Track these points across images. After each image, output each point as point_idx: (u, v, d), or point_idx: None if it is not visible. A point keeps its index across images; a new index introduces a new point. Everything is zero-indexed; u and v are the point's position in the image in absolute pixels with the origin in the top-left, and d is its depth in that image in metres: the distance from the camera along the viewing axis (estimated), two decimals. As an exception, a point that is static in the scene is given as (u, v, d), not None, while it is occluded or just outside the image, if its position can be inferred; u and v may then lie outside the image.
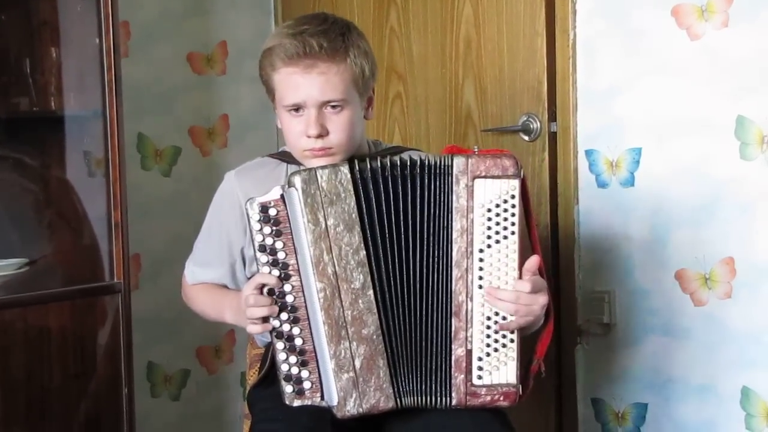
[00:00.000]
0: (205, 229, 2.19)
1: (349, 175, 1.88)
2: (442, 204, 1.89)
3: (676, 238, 2.58)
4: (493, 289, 1.88)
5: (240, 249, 2.12)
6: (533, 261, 1.90)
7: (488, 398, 1.90)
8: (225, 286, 2.16)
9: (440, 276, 1.90)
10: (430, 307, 1.90)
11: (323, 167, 1.89)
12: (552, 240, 2.78)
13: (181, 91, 3.37)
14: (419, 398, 1.90)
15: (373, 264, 1.88)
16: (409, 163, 1.90)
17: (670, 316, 2.61)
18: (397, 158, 1.92)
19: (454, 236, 1.88)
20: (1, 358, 2.43)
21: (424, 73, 3.06)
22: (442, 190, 1.89)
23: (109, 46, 2.58)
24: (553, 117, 2.76)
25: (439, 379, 1.90)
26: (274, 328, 1.88)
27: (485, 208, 1.88)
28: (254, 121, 3.50)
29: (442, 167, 1.89)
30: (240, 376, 3.52)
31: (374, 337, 1.88)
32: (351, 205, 1.87)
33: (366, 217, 1.88)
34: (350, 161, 1.91)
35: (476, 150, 1.93)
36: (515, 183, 1.88)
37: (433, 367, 1.90)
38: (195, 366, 3.44)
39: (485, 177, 1.88)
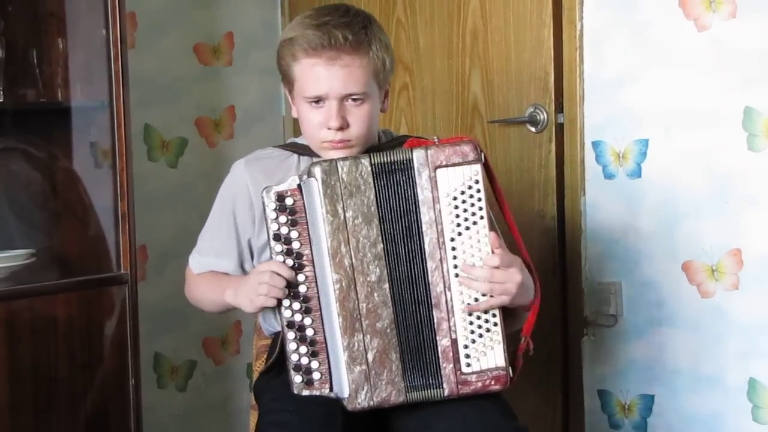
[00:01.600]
0: (212, 219, 2.19)
1: (369, 168, 1.88)
2: (406, 197, 1.89)
3: (683, 229, 2.57)
4: (467, 267, 1.88)
5: (248, 240, 2.12)
6: (493, 236, 1.90)
7: (479, 384, 1.90)
8: None
9: (417, 269, 1.90)
10: (416, 299, 1.91)
11: (344, 159, 1.89)
12: (558, 231, 2.78)
13: (188, 82, 3.36)
14: (423, 393, 1.91)
15: (390, 257, 1.88)
16: (377, 161, 1.90)
17: (677, 307, 2.60)
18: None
19: (424, 228, 1.89)
20: (9, 349, 2.43)
21: (431, 64, 3.05)
22: (406, 183, 1.89)
23: (115, 37, 2.58)
24: (560, 108, 2.75)
25: (429, 372, 1.91)
26: (285, 317, 1.88)
27: (451, 197, 1.89)
28: (261, 112, 3.50)
29: (403, 161, 1.89)
30: (246, 367, 3.52)
31: (388, 330, 1.88)
32: (371, 198, 1.87)
33: (384, 210, 1.88)
34: (370, 154, 1.91)
35: (437, 140, 1.93)
36: (477, 168, 1.89)
37: (426, 361, 1.91)
38: (201, 357, 3.44)
39: (446, 166, 1.88)
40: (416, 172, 1.88)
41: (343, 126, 1.99)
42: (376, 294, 1.88)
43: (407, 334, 1.90)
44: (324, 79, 1.97)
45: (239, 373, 3.54)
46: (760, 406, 2.48)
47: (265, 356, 2.17)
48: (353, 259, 1.87)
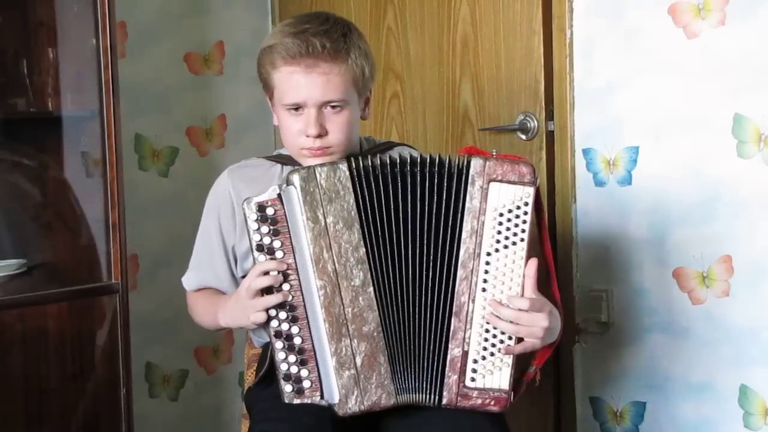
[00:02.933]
0: (201, 231, 2.19)
1: (347, 173, 1.88)
2: (453, 203, 1.88)
3: (674, 236, 2.58)
4: (495, 304, 1.87)
5: (231, 246, 2.13)
6: (532, 265, 1.88)
7: (479, 401, 1.89)
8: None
9: (443, 275, 1.89)
10: (429, 304, 1.89)
11: (321, 165, 1.89)
12: (550, 239, 2.77)
13: (179, 91, 3.37)
14: (415, 395, 1.90)
15: (374, 261, 1.87)
16: (421, 161, 1.89)
17: (669, 314, 2.61)
18: (407, 155, 1.91)
19: (463, 236, 1.88)
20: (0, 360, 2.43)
21: (422, 72, 3.06)
22: (455, 189, 1.88)
23: (106, 47, 2.58)
24: (550, 116, 2.76)
25: (431, 377, 1.90)
26: (272, 328, 1.88)
27: (497, 212, 1.87)
28: (252, 121, 3.50)
29: (459, 167, 1.89)
30: (238, 376, 3.52)
31: (375, 334, 1.88)
32: (350, 203, 1.87)
33: (366, 214, 1.88)
34: (348, 159, 1.91)
35: (494, 153, 1.93)
36: (530, 190, 1.87)
37: (427, 365, 1.90)
38: (193, 366, 3.44)
39: (501, 181, 1.87)
40: (469, 180, 1.88)
41: (322, 133, 2.00)
42: (361, 298, 1.87)
43: (400, 336, 1.89)
44: (302, 86, 1.98)
45: (231, 382, 3.53)
46: (751, 412, 2.48)
47: (256, 366, 2.17)
48: (336, 265, 1.87)
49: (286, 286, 1.87)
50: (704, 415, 2.56)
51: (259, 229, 1.86)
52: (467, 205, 1.88)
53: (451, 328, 1.89)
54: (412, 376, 1.90)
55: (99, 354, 2.60)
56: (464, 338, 1.89)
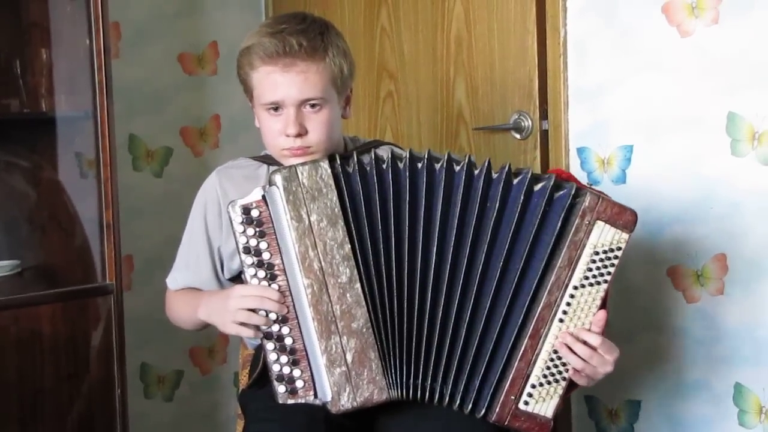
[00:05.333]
0: (187, 231, 2.19)
1: (329, 171, 1.87)
2: (548, 227, 1.87)
3: (668, 235, 2.58)
4: (572, 338, 1.87)
5: (217, 247, 2.13)
6: (602, 315, 1.89)
7: (525, 425, 1.90)
8: None
9: (517, 293, 1.88)
10: (489, 318, 1.88)
11: (303, 164, 1.89)
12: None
13: (173, 91, 3.37)
14: (418, 393, 1.89)
15: (360, 257, 1.87)
16: (520, 178, 1.88)
17: (663, 313, 2.61)
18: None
19: (558, 264, 1.87)
20: (-6, 360, 2.43)
21: (416, 71, 3.06)
22: (556, 214, 1.86)
23: (99, 47, 2.58)
24: (544, 115, 2.76)
25: (484, 388, 1.89)
26: (262, 329, 1.88)
27: (593, 250, 1.88)
28: (246, 121, 3.48)
29: (570, 195, 1.86)
30: (233, 377, 3.52)
31: (364, 330, 1.87)
32: (333, 200, 1.87)
33: (350, 211, 1.87)
34: (331, 157, 1.90)
35: (590, 185, 1.94)
36: (626, 237, 1.89)
37: (475, 374, 1.89)
38: (188, 367, 3.44)
39: (606, 221, 1.88)
40: (579, 212, 1.87)
41: (302, 132, 2.00)
42: (348, 295, 1.87)
43: (398, 331, 1.88)
44: (280, 85, 1.98)
45: (226, 383, 3.53)
46: (746, 410, 2.48)
47: (250, 367, 2.17)
48: (322, 263, 1.87)
49: (274, 287, 1.86)
50: (699, 414, 2.57)
51: (245, 231, 1.86)
52: (571, 236, 1.87)
53: (523, 348, 1.89)
54: (421, 374, 1.89)
55: (94, 355, 2.60)
56: (531, 361, 1.89)
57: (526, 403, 1.90)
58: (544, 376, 1.90)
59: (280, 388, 1.87)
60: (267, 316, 1.86)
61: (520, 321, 1.88)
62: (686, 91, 2.51)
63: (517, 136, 2.80)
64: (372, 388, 1.88)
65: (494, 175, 1.88)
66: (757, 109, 2.39)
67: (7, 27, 2.77)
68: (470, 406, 1.89)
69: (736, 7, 2.41)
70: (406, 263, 1.88)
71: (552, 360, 1.90)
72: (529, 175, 1.88)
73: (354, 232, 1.87)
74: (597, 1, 2.65)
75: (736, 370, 2.49)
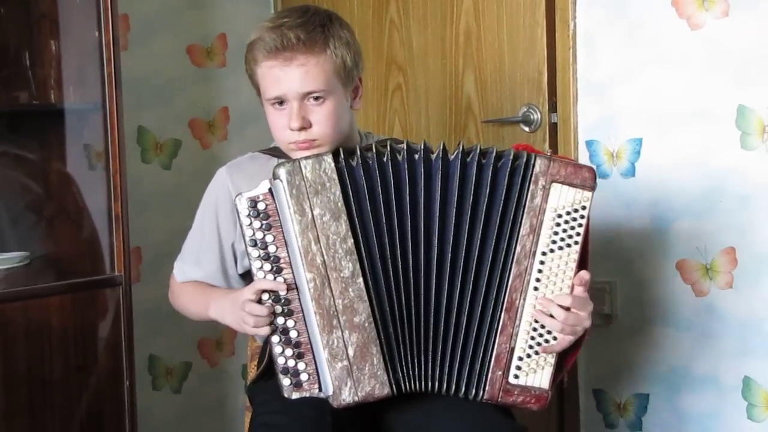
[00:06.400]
0: (195, 226, 2.19)
1: (333, 165, 1.87)
2: (512, 198, 1.89)
3: (677, 228, 2.58)
4: (547, 301, 1.88)
5: (231, 244, 2.12)
6: (584, 274, 1.91)
7: (520, 398, 1.90)
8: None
9: (490, 269, 1.89)
10: (470, 298, 1.89)
11: (307, 158, 1.89)
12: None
13: (181, 83, 3.36)
14: (424, 384, 1.90)
15: (363, 252, 1.87)
16: (471, 150, 1.89)
17: (672, 306, 2.61)
18: (399, 145, 1.91)
19: (521, 233, 1.88)
20: (3, 352, 2.43)
21: (424, 64, 3.05)
22: (518, 185, 1.88)
23: (108, 39, 2.58)
24: (553, 108, 2.75)
25: (473, 370, 1.90)
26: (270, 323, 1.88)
27: (556, 213, 1.88)
28: (254, 113, 3.47)
29: (520, 163, 1.88)
30: (241, 369, 3.52)
31: (366, 324, 1.87)
32: (336, 194, 1.87)
33: (353, 205, 1.87)
34: (335, 151, 1.91)
35: (549, 153, 1.93)
36: (589, 195, 1.89)
37: (465, 357, 1.90)
38: (196, 359, 3.44)
39: (563, 183, 1.88)
40: (533, 178, 1.88)
41: (305, 126, 1.99)
42: (350, 289, 1.87)
43: (402, 325, 1.89)
44: (282, 79, 1.98)
45: (234, 375, 3.53)
46: (754, 404, 2.48)
47: (258, 359, 2.17)
48: (325, 257, 1.86)
49: (280, 280, 1.87)
50: (708, 407, 2.56)
51: (251, 224, 1.87)
52: (528, 203, 1.88)
53: (500, 322, 1.89)
54: (426, 365, 1.89)
55: (102, 347, 2.60)
56: (512, 334, 1.89)
57: (516, 376, 1.89)
58: (530, 347, 1.90)
59: (285, 381, 1.87)
60: (276, 313, 1.87)
61: (493, 296, 1.89)
62: (696, 84, 2.50)
63: (526, 129, 2.79)
64: (373, 382, 1.88)
65: (450, 157, 1.89)
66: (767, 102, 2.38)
67: (16, 19, 2.77)
68: (463, 389, 1.90)
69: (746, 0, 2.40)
70: (410, 257, 1.89)
71: (535, 330, 1.90)
72: (494, 154, 1.89)
73: (357, 226, 1.87)
74: (606, -6, 2.65)
75: (745, 363, 2.49)
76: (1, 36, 2.74)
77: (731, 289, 2.50)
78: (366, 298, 1.87)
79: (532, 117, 2.77)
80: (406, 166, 1.88)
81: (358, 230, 1.87)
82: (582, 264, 1.92)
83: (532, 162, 1.88)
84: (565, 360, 1.98)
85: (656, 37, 2.56)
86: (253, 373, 2.19)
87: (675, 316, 2.61)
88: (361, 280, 1.87)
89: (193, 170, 3.36)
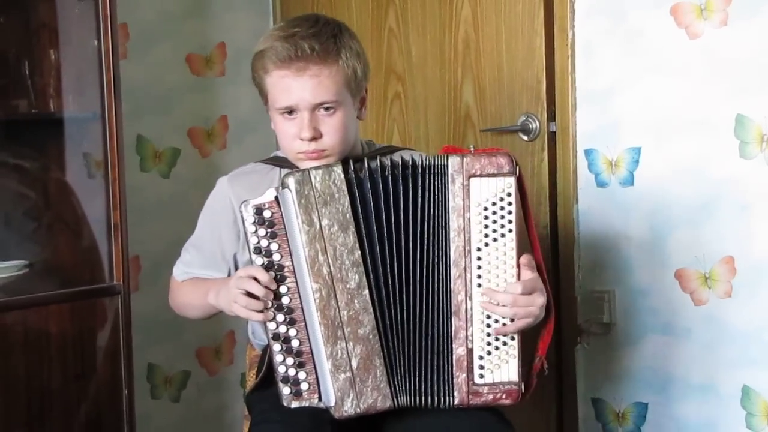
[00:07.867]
0: (196, 235, 2.19)
1: (342, 176, 1.88)
2: (438, 203, 1.89)
3: (676, 237, 2.58)
4: (491, 291, 1.88)
5: (233, 255, 2.12)
6: (527, 256, 1.90)
7: (490, 397, 1.90)
8: None
9: (439, 276, 1.90)
10: (429, 306, 1.90)
11: (317, 168, 1.89)
12: (551, 240, 2.78)
13: (180, 92, 3.37)
14: (417, 398, 1.90)
15: (369, 264, 1.88)
16: (408, 164, 1.90)
17: (670, 315, 2.61)
18: (396, 158, 1.92)
19: (451, 235, 1.88)
20: (2, 360, 2.43)
21: (423, 73, 3.06)
22: (438, 189, 1.89)
23: (107, 48, 2.58)
24: (552, 117, 2.76)
25: (441, 379, 1.90)
26: (270, 330, 1.88)
27: (482, 206, 1.88)
28: (253, 122, 3.50)
29: (438, 167, 1.89)
30: (240, 377, 3.51)
31: (370, 336, 1.88)
32: (345, 206, 1.87)
33: (361, 217, 1.88)
34: (344, 162, 1.91)
35: (472, 149, 1.93)
36: (510, 181, 1.88)
37: (434, 367, 1.90)
38: (195, 367, 3.44)
39: (480, 176, 1.88)
40: (449, 179, 1.88)
41: (316, 136, 1.99)
42: (356, 301, 1.87)
43: (400, 338, 1.89)
44: (293, 89, 1.97)
45: (233, 383, 3.53)
46: (753, 413, 2.48)
47: (257, 368, 2.17)
48: (331, 268, 1.87)
49: (283, 288, 1.87)
50: (706, 416, 2.56)
51: (256, 231, 1.87)
52: (451, 204, 1.88)
53: (452, 327, 1.89)
54: (415, 378, 1.90)
55: (101, 355, 2.60)
56: (467, 336, 1.89)
57: (482, 376, 1.90)
58: (488, 344, 1.90)
59: (285, 390, 1.88)
60: (272, 305, 1.86)
61: (439, 303, 1.89)
62: (694, 93, 2.51)
63: (525, 138, 2.79)
64: (376, 395, 1.88)
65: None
66: (766, 111, 2.39)
67: (15, 28, 2.77)
68: (436, 400, 1.90)
69: (745, 9, 2.40)
70: (413, 270, 1.89)
71: (489, 326, 1.89)
72: (409, 165, 1.90)
73: (365, 238, 1.88)
74: (605, 3, 2.65)
75: (743, 372, 2.49)
76: (1, 44, 2.74)
77: (730, 298, 2.50)
78: (371, 310, 1.88)
79: (530, 126, 2.77)
80: (401, 180, 1.90)
81: (366, 242, 1.88)
82: (524, 249, 1.92)
83: (445, 163, 1.89)
84: (536, 345, 1.98)
85: (655, 46, 2.57)
86: (251, 381, 2.19)
87: (674, 325, 2.60)
88: (366, 292, 1.88)
89: (192, 179, 3.36)
